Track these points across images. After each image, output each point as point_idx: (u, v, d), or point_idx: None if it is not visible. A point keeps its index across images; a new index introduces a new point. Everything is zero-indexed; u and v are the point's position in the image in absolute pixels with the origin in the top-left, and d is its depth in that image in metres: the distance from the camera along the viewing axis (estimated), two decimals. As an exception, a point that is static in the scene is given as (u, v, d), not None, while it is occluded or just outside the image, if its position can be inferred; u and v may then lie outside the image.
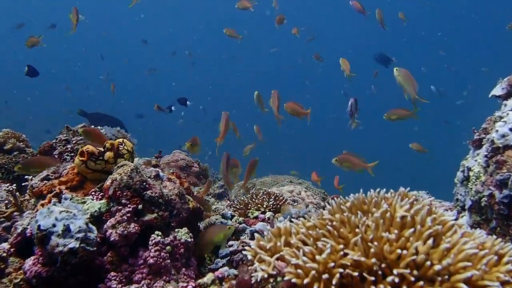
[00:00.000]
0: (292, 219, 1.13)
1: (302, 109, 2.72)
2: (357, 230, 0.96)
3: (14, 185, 1.79)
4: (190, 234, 1.52)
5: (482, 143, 1.65)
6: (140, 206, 1.43)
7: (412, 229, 0.91)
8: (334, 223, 1.00)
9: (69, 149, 2.15)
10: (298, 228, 1.06)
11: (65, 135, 2.20)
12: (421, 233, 0.91)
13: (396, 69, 2.45)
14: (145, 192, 1.46)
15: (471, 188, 1.63)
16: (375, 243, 0.90)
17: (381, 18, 4.52)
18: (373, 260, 0.88)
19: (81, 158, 1.52)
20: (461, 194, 1.81)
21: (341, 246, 0.93)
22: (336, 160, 2.38)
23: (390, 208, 1.00)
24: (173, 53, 14.69)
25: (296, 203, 2.49)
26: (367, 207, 1.05)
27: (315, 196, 2.98)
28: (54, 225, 1.25)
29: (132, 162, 1.64)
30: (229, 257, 1.81)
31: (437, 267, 0.84)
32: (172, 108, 4.96)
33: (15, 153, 2.24)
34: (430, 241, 0.88)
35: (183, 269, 1.46)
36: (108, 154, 1.55)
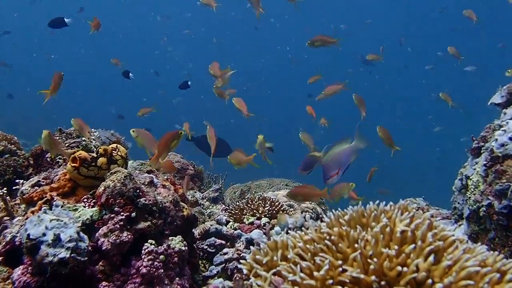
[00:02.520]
0: (289, 231, 1.10)
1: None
2: (356, 245, 0.93)
3: (5, 189, 1.74)
4: (184, 242, 1.48)
5: (481, 152, 1.63)
6: (133, 214, 1.40)
7: (412, 245, 0.89)
8: (333, 237, 0.97)
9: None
10: (295, 241, 1.03)
11: (57, 138, 2.15)
12: (422, 249, 0.88)
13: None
14: (138, 200, 1.43)
15: (469, 197, 1.61)
16: (375, 259, 0.88)
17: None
18: (373, 277, 0.85)
19: (73, 164, 1.48)
20: (458, 203, 1.79)
21: (340, 261, 0.91)
22: None
23: (389, 222, 0.97)
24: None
25: (292, 208, 2.46)
26: (366, 220, 1.03)
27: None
28: (44, 234, 1.22)
29: (126, 168, 1.61)
30: (223, 265, 1.78)
31: (438, 285, 0.81)
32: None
33: (6, 155, 2.19)
34: (431, 258, 0.85)
35: (177, 278, 1.43)
36: (101, 160, 1.51)
